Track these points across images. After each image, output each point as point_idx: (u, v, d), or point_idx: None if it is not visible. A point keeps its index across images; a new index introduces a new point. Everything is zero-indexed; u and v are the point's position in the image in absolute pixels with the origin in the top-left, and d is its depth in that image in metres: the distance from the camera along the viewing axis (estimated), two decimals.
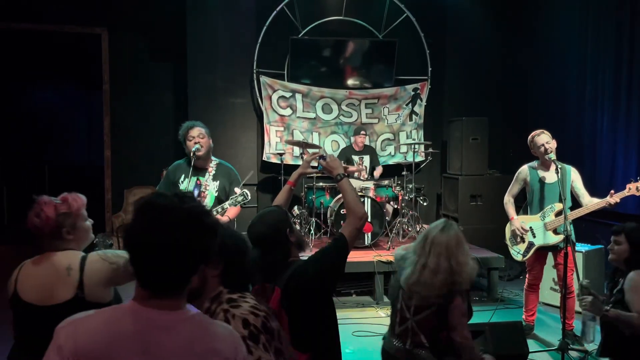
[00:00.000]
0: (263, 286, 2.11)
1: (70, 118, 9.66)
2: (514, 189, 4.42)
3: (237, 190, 3.67)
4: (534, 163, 4.33)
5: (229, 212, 3.87)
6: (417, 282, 2.50)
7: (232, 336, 1.35)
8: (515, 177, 4.42)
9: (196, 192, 3.84)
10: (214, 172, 3.88)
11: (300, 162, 6.19)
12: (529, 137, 4.23)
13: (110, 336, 1.21)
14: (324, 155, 2.50)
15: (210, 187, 3.85)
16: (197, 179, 3.85)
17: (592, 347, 3.91)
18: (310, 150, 6.92)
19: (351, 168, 6.27)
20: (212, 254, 1.33)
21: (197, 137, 3.79)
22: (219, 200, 3.87)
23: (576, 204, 4.11)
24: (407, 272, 2.55)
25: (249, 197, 3.84)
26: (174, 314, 1.26)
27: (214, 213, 3.77)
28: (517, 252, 4.33)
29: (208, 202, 3.85)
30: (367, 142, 6.80)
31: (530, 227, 4.25)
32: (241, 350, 1.34)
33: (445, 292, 2.47)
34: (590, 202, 4.01)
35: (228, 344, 1.31)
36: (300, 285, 2.05)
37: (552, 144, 4.10)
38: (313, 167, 2.67)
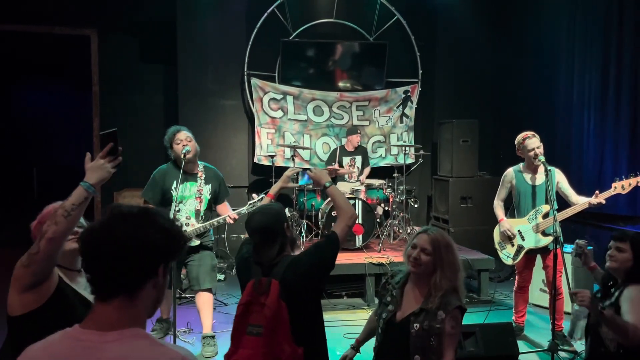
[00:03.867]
0: (259, 280, 2.14)
1: (59, 119, 9.55)
2: (501, 193, 4.43)
3: (255, 195, 3.73)
4: (519, 166, 4.35)
5: (222, 209, 3.95)
6: None
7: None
8: (501, 181, 4.43)
9: (193, 198, 3.85)
10: (204, 175, 3.90)
11: (291, 164, 6.25)
12: (519, 137, 4.23)
13: None
14: (309, 168, 2.65)
15: (205, 192, 3.89)
16: (193, 185, 3.88)
17: (580, 347, 3.95)
18: (300, 155, 6.93)
19: (341, 170, 6.28)
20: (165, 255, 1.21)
21: (185, 140, 3.81)
22: (209, 204, 3.90)
23: (562, 206, 4.10)
24: None
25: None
26: (105, 335, 1.11)
27: (203, 216, 3.82)
28: (507, 256, 4.34)
29: (203, 206, 3.88)
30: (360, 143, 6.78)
31: (519, 231, 4.27)
32: None
33: None
34: (577, 202, 4.04)
35: None
36: (297, 275, 2.15)
37: (541, 148, 4.13)
38: (293, 181, 2.80)
